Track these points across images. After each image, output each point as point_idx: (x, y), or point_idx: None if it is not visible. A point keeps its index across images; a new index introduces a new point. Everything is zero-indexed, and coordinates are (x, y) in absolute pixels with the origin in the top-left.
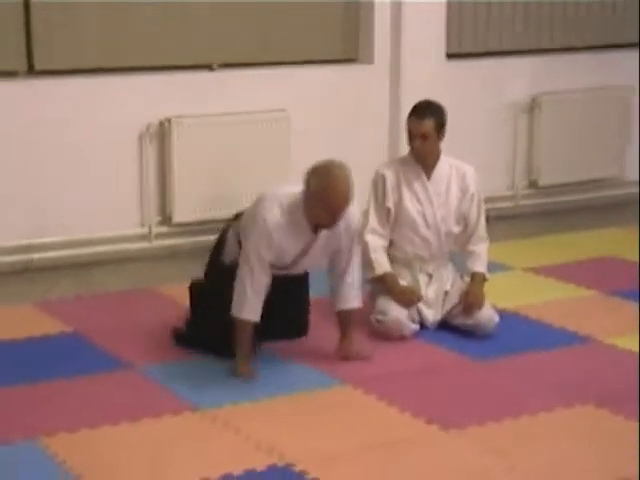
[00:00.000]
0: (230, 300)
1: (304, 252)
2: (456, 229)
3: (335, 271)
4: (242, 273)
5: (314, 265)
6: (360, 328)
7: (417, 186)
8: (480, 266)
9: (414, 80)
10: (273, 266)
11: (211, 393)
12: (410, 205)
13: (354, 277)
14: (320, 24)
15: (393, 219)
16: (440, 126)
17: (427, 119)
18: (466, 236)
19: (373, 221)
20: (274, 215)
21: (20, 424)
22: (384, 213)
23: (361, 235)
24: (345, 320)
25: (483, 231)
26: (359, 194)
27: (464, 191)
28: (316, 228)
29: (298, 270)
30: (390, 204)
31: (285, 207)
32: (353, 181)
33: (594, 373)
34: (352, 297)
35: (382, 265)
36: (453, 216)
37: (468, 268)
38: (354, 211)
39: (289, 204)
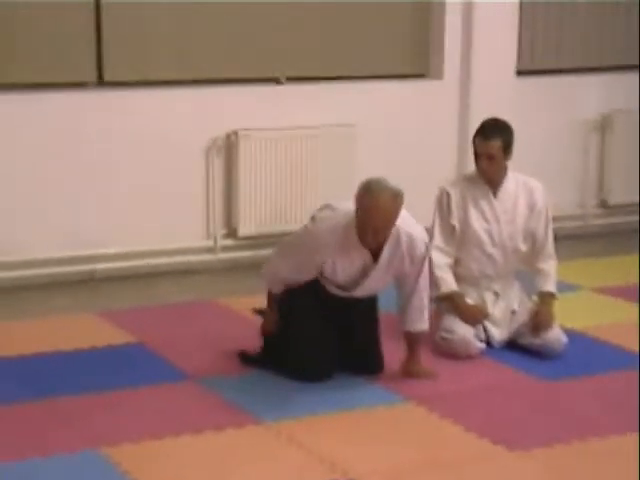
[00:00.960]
0: (303, 310)
1: (364, 274)
2: (524, 246)
3: (403, 292)
4: (274, 258)
5: (378, 288)
6: (426, 346)
7: (483, 204)
8: (549, 285)
9: (483, 96)
10: (336, 286)
11: (275, 407)
12: (476, 223)
13: (422, 300)
14: (390, 39)
15: (459, 237)
16: (507, 146)
17: (494, 139)
18: (534, 253)
19: (438, 239)
20: (327, 229)
21: (83, 433)
22: (449, 231)
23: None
24: (411, 341)
25: (551, 248)
26: (427, 211)
27: (532, 207)
28: (377, 251)
29: (363, 292)
30: (455, 221)
31: (341, 226)
32: (403, 200)
33: None
34: (419, 320)
35: (448, 283)
36: (521, 233)
37: (537, 287)
38: (420, 234)
39: (346, 224)
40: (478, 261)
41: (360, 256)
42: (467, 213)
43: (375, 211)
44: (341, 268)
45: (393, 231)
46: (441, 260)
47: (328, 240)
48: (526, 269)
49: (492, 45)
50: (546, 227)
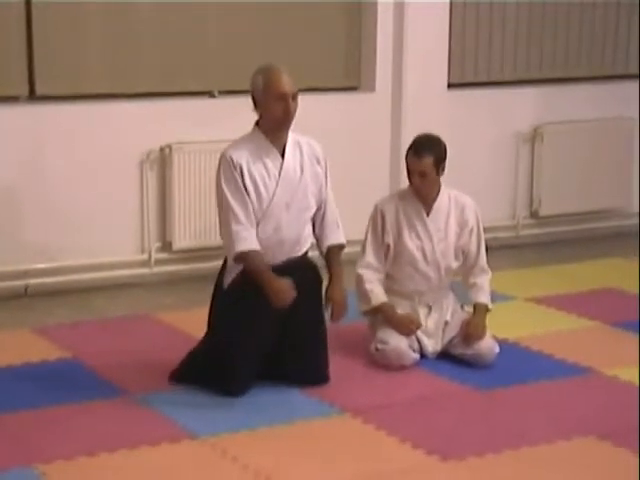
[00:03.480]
0: (227, 322)
1: (279, 180)
2: (455, 264)
3: (317, 212)
4: (221, 217)
5: (302, 202)
6: (361, 357)
7: (416, 222)
8: (482, 297)
9: (415, 109)
10: (262, 217)
11: (209, 421)
12: (409, 241)
13: (334, 213)
14: (322, 52)
15: (392, 255)
16: (439, 162)
17: (426, 157)
18: (467, 268)
19: (369, 256)
20: (234, 148)
21: (16, 451)
22: (382, 249)
23: (357, 267)
24: (331, 260)
25: (484, 263)
26: (360, 223)
27: (462, 226)
28: (283, 151)
29: (290, 217)
30: (389, 240)
31: (244, 139)
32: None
33: (595, 405)
34: (335, 232)
35: (378, 296)
36: (452, 251)
37: (471, 299)
38: (313, 141)
39: (245, 136)
40: (411, 278)
41: (272, 161)
42: (401, 232)
43: (282, 74)
44: (259, 177)
45: (290, 136)
46: (371, 275)
47: (238, 151)
48: (461, 282)
49: (423, 58)
50: (478, 243)
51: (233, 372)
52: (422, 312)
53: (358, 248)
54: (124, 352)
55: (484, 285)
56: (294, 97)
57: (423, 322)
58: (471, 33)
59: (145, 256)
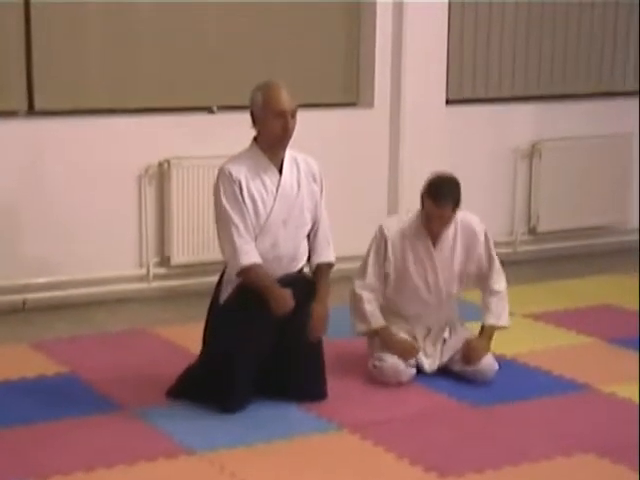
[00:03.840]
0: (224, 338)
1: (277, 196)
2: (457, 289)
3: (309, 231)
4: (221, 232)
5: (299, 219)
6: (359, 374)
7: (423, 254)
8: (490, 319)
9: (414, 125)
10: (260, 233)
11: (207, 437)
12: (414, 271)
13: (326, 232)
14: (321, 68)
15: (395, 282)
16: (457, 204)
17: (446, 204)
18: (483, 277)
19: (370, 277)
20: (232, 163)
21: (13, 466)
22: (382, 271)
23: (355, 287)
24: (320, 277)
25: (498, 266)
26: (357, 239)
27: (469, 251)
28: (281, 168)
29: (285, 232)
30: (390, 268)
31: (242, 155)
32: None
33: (594, 422)
34: (326, 250)
35: (378, 319)
36: (456, 279)
37: (483, 318)
38: (310, 159)
39: (244, 151)
40: (412, 305)
41: (270, 177)
42: (405, 261)
43: (282, 91)
44: (257, 194)
45: (288, 152)
46: (370, 296)
47: (237, 166)
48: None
49: (422, 74)
50: (489, 257)
51: (230, 388)
52: (420, 333)
53: (354, 264)
54: (122, 367)
55: (500, 300)
56: (293, 114)
57: (421, 343)
58: (469, 49)
59: (143, 271)
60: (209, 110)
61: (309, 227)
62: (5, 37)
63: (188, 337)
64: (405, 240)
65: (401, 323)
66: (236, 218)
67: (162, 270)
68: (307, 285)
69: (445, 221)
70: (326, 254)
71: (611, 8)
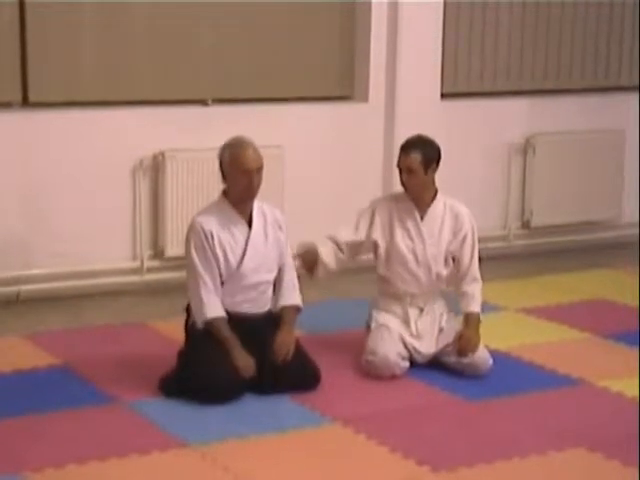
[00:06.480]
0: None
1: (247, 248)
2: (445, 270)
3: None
4: (190, 282)
5: (267, 267)
6: (353, 368)
7: (410, 224)
8: (473, 306)
9: (408, 119)
10: (230, 278)
11: (200, 429)
12: (402, 242)
13: (292, 276)
14: (316, 62)
15: (383, 256)
16: (428, 161)
17: (413, 153)
18: (459, 277)
19: (349, 228)
20: (203, 215)
21: (5, 459)
22: (363, 232)
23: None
24: (286, 318)
25: (476, 272)
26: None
27: (455, 232)
28: (249, 220)
29: (255, 278)
30: (378, 237)
31: (212, 207)
32: None
33: (586, 416)
34: (292, 294)
35: (327, 266)
36: (442, 256)
37: (462, 308)
38: (276, 210)
39: (213, 204)
40: (402, 279)
41: (239, 230)
42: (393, 232)
43: (249, 149)
44: (228, 246)
45: (255, 204)
46: (338, 235)
47: (207, 217)
48: (452, 291)
49: (417, 68)
50: (471, 252)
51: (217, 377)
52: (413, 314)
53: None
54: (115, 359)
55: (475, 294)
56: (258, 171)
57: (413, 325)
58: (464, 44)
59: (137, 263)
60: (204, 102)
61: (275, 273)
62: (0, 30)
63: (181, 330)
64: (393, 211)
65: (394, 304)
66: (204, 272)
67: (156, 263)
68: (274, 319)
69: (414, 175)
70: (293, 297)
71: (606, 3)
